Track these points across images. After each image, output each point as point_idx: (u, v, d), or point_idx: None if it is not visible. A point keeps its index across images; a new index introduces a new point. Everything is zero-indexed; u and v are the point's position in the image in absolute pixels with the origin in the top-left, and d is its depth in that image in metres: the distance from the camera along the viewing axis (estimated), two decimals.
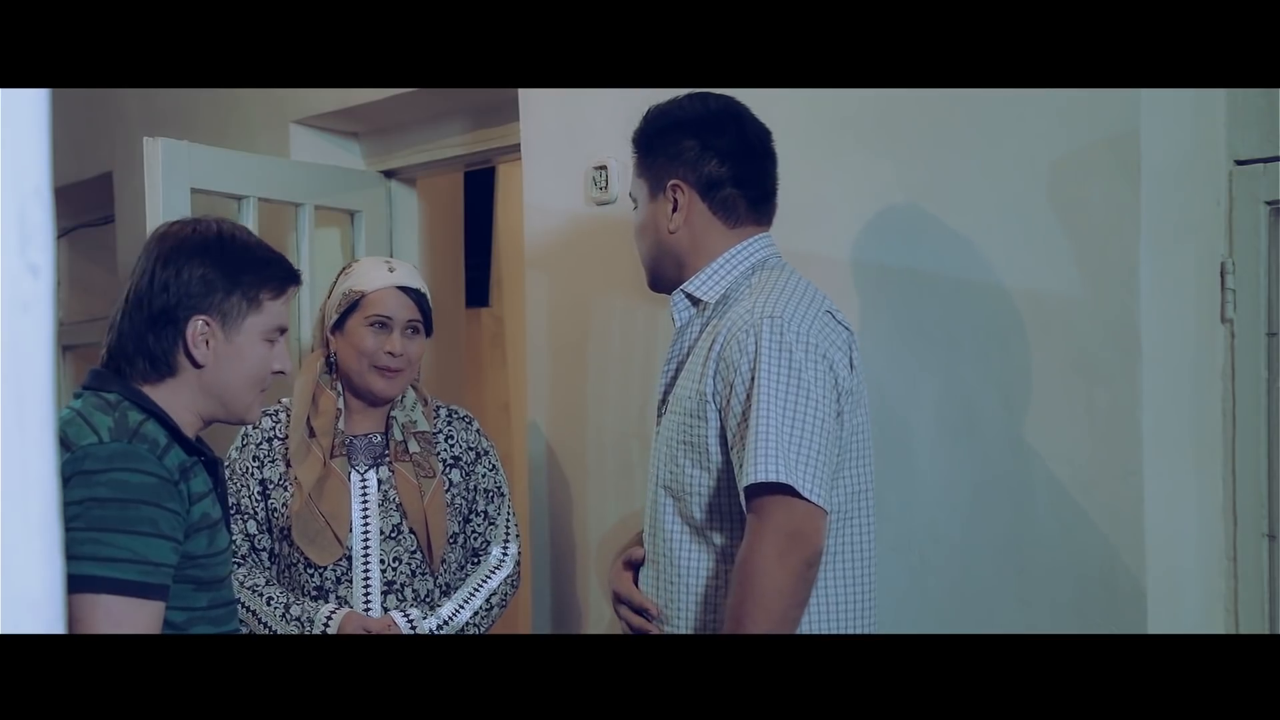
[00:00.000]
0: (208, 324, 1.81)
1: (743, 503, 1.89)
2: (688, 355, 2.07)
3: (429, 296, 2.65)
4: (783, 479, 1.84)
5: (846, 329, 2.03)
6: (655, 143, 2.11)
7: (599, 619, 2.96)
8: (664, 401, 2.11)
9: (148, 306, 1.80)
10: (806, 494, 1.85)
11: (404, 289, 2.59)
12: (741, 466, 1.88)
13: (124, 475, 1.68)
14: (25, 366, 0.80)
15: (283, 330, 1.90)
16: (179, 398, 1.82)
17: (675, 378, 2.08)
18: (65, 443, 1.71)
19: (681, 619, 2.02)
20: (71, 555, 1.64)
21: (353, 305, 2.59)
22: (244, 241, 1.87)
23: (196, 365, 1.81)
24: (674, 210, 2.08)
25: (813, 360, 1.92)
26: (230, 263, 1.83)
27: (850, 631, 2.01)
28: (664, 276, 2.13)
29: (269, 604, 2.50)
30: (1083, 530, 2.13)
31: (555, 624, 3.06)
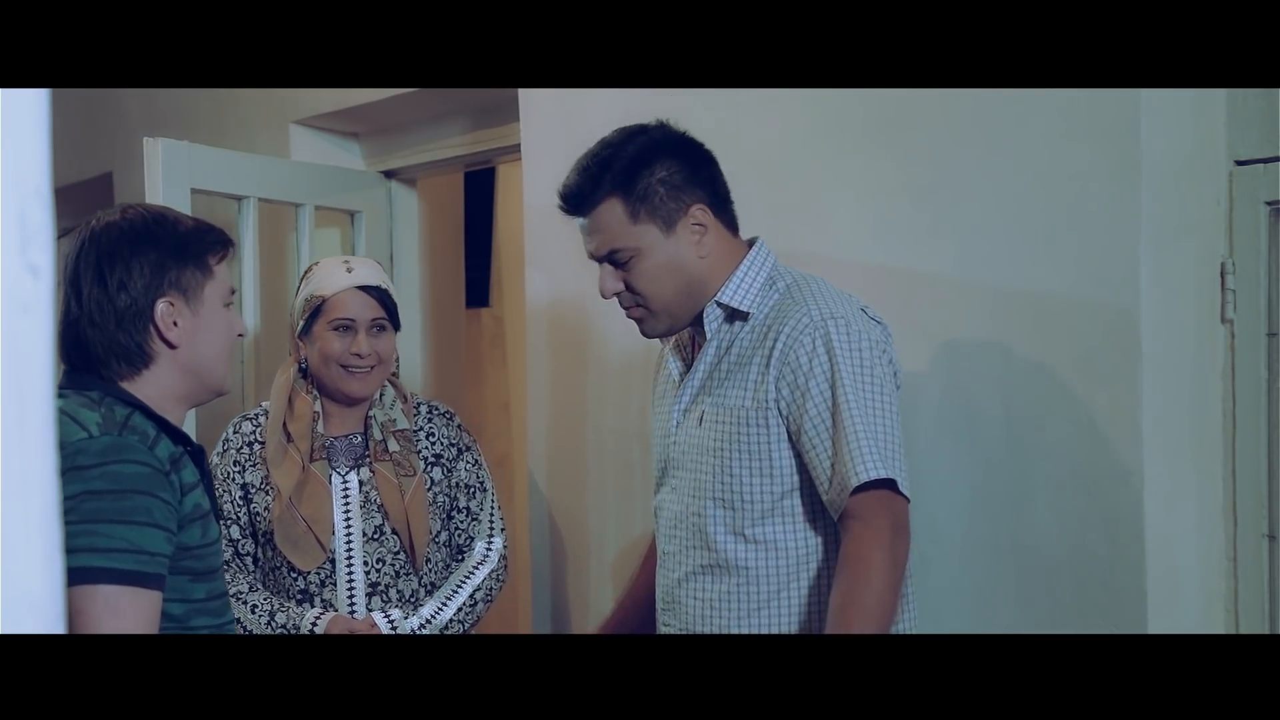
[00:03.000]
0: (171, 304, 1.81)
1: (837, 502, 1.91)
2: (717, 363, 2.05)
3: (392, 291, 2.64)
4: (886, 474, 1.89)
5: (881, 324, 2.06)
6: (642, 178, 2.00)
7: (599, 619, 2.95)
8: (686, 412, 2.09)
9: (110, 307, 1.79)
10: (903, 489, 1.91)
11: (364, 288, 2.58)
12: (837, 468, 1.91)
13: (117, 467, 1.68)
14: (25, 366, 0.80)
15: (233, 292, 1.91)
16: (158, 387, 1.81)
17: (702, 386, 2.07)
18: None
19: (749, 626, 2.02)
20: (68, 549, 1.64)
21: (315, 311, 2.58)
22: (173, 217, 1.87)
23: (171, 347, 1.81)
24: (702, 235, 2.03)
25: (877, 355, 1.96)
26: (172, 240, 1.83)
27: (904, 627, 2.06)
28: (686, 312, 2.05)
29: (253, 611, 2.49)
30: (1083, 530, 2.13)
31: (555, 624, 3.06)
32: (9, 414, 0.79)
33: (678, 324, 2.08)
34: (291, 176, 3.46)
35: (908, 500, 1.93)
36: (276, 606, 2.51)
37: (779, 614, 2.01)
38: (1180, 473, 2.11)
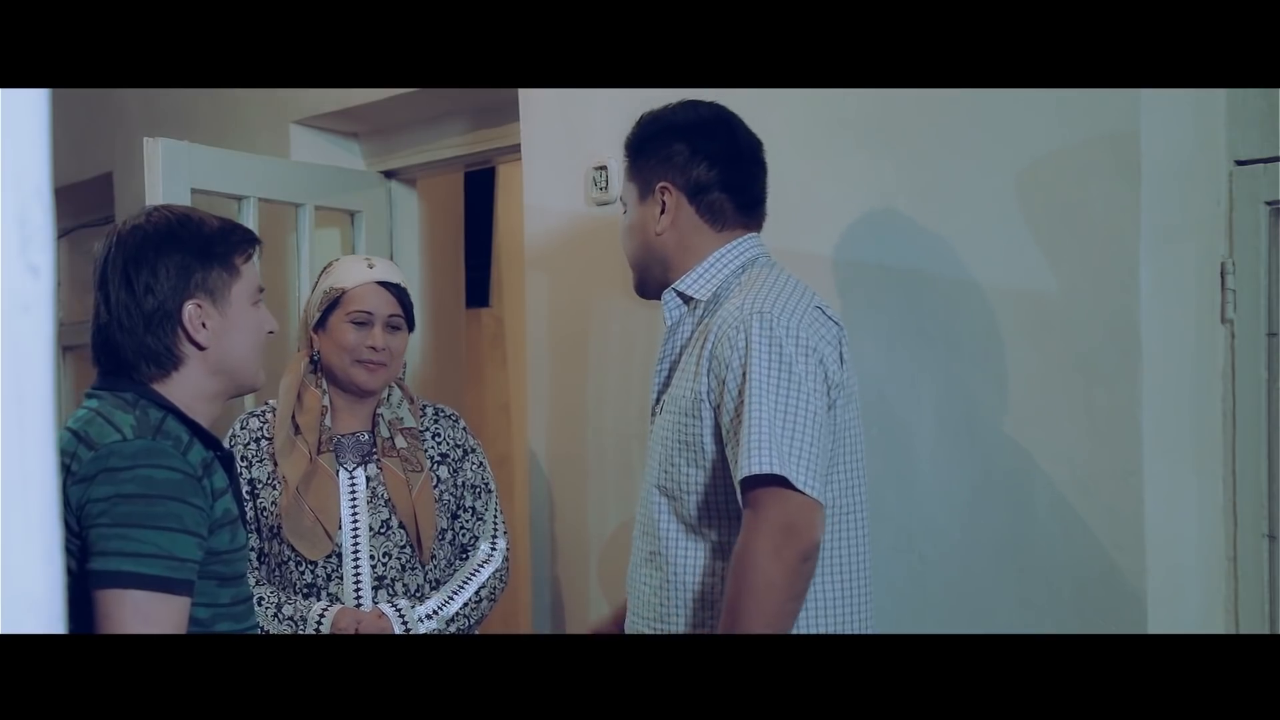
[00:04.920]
0: (199, 305, 1.82)
1: (739, 498, 1.90)
2: (680, 355, 2.08)
3: (409, 291, 2.68)
4: (776, 470, 1.84)
5: (836, 324, 2.03)
6: (646, 147, 2.14)
7: (599, 619, 2.95)
8: (658, 402, 2.11)
9: (138, 311, 1.80)
10: (800, 486, 1.85)
11: (384, 284, 2.62)
12: (736, 461, 1.89)
13: (149, 471, 1.69)
14: (25, 366, 0.80)
15: (261, 290, 1.92)
16: (189, 387, 1.82)
17: (669, 378, 2.09)
18: (88, 441, 1.71)
19: (680, 618, 2.02)
20: (99, 551, 1.66)
21: (334, 302, 2.61)
22: (198, 218, 1.87)
23: (200, 348, 1.82)
24: (661, 212, 2.10)
25: (803, 354, 1.93)
26: (197, 241, 1.83)
27: (847, 629, 2.00)
28: (651, 278, 2.15)
29: (260, 604, 2.50)
30: (1083, 530, 2.13)
31: (555, 624, 3.06)
32: (9, 414, 0.79)
33: (645, 288, 2.19)
34: (291, 176, 3.46)
35: (812, 499, 1.85)
36: (283, 599, 2.52)
37: (706, 608, 1.99)
38: (1180, 473, 2.11)
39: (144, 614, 1.65)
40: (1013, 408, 2.21)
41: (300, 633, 2.49)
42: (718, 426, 1.96)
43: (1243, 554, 2.12)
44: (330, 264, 2.72)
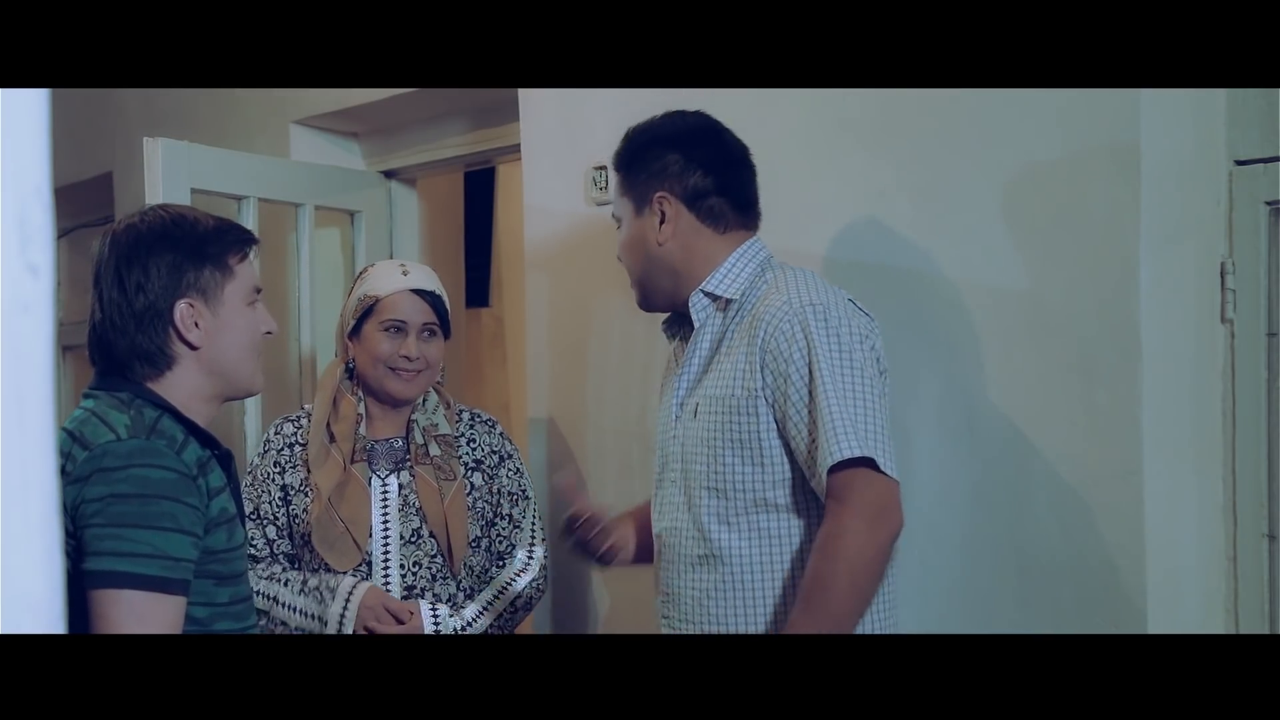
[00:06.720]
0: (191, 305, 1.81)
1: (820, 485, 1.92)
2: (711, 355, 2.08)
3: (445, 298, 2.65)
4: (863, 453, 1.88)
5: (868, 316, 2.08)
6: (637, 160, 2.15)
7: (599, 619, 2.96)
8: (683, 405, 2.11)
9: (129, 310, 1.79)
10: (885, 468, 1.90)
11: (418, 292, 2.59)
12: (813, 452, 1.92)
13: (144, 471, 1.69)
14: (25, 366, 0.80)
15: (258, 290, 1.91)
16: (185, 387, 1.82)
17: (698, 378, 2.09)
18: (83, 441, 1.71)
19: (739, 616, 2.02)
20: (93, 551, 1.65)
21: (368, 310, 2.58)
22: (193, 218, 1.86)
23: (192, 348, 1.81)
24: (662, 222, 2.11)
25: (858, 341, 1.98)
26: (190, 241, 1.83)
27: (896, 624, 2.06)
28: (656, 290, 2.16)
29: (287, 585, 2.50)
30: (1083, 530, 2.13)
31: (555, 624, 3.06)
32: (9, 414, 0.79)
33: (651, 302, 2.19)
34: (291, 176, 3.46)
35: (894, 480, 1.92)
36: (309, 574, 2.51)
37: (772, 604, 2.01)
38: (1180, 472, 2.11)
39: (139, 614, 1.65)
40: (1013, 408, 2.21)
41: (326, 604, 2.47)
42: (775, 423, 1.98)
43: (1243, 554, 2.12)
44: (365, 270, 2.70)
